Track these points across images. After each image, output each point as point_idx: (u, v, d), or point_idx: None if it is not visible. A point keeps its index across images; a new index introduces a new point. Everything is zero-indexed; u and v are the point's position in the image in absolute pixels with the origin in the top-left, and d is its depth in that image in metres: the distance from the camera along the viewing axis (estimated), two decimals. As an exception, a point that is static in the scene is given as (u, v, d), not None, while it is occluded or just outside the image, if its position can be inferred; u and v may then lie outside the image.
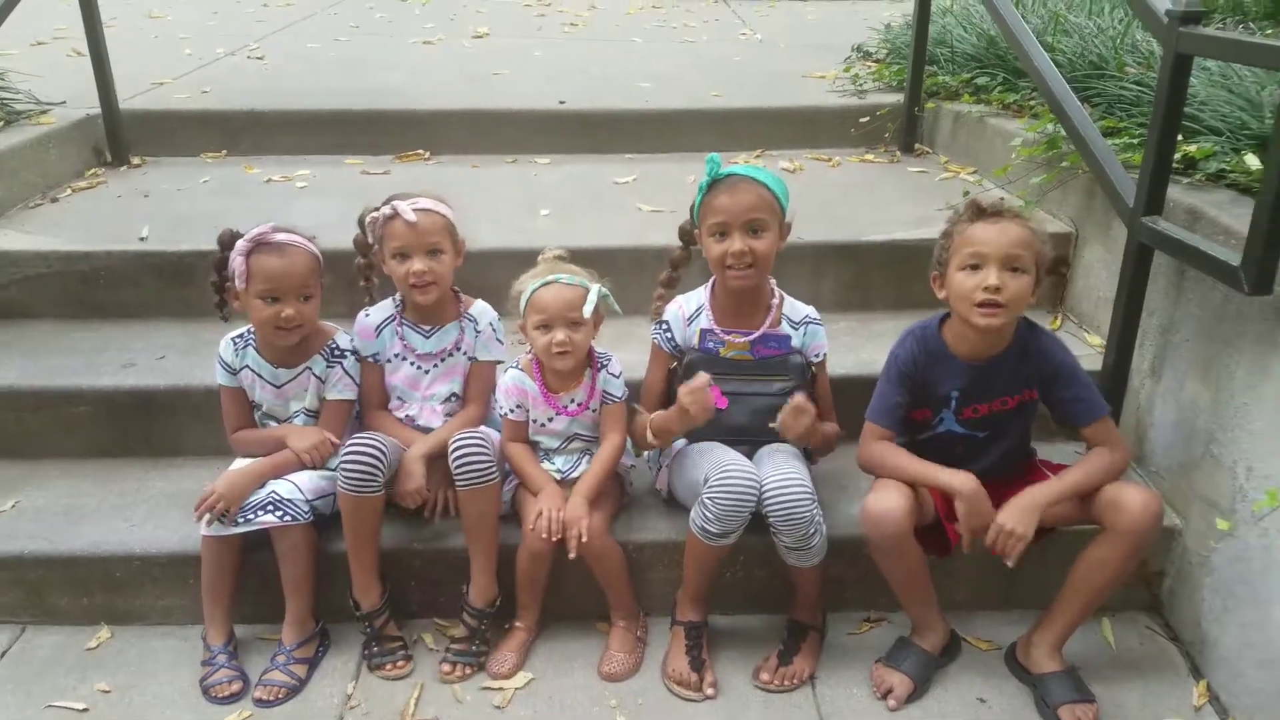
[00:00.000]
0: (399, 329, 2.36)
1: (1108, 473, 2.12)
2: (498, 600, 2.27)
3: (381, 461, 2.17)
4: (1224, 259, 2.01)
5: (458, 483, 2.18)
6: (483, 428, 2.30)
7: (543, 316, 2.19)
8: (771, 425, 2.16)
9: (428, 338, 2.36)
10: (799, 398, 2.12)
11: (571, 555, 2.17)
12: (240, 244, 2.20)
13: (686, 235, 2.33)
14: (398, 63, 5.19)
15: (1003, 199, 2.21)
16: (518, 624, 2.30)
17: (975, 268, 2.03)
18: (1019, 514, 2.04)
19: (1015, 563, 2.04)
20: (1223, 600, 2.16)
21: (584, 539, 2.16)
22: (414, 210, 2.23)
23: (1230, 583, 2.14)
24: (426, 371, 2.37)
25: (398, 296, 2.39)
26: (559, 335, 2.18)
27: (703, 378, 2.12)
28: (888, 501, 2.08)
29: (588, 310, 2.18)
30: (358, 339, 2.37)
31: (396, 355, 2.37)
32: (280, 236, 2.22)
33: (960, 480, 2.06)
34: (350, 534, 2.21)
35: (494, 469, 2.18)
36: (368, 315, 2.39)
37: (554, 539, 2.16)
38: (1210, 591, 2.21)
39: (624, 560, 2.29)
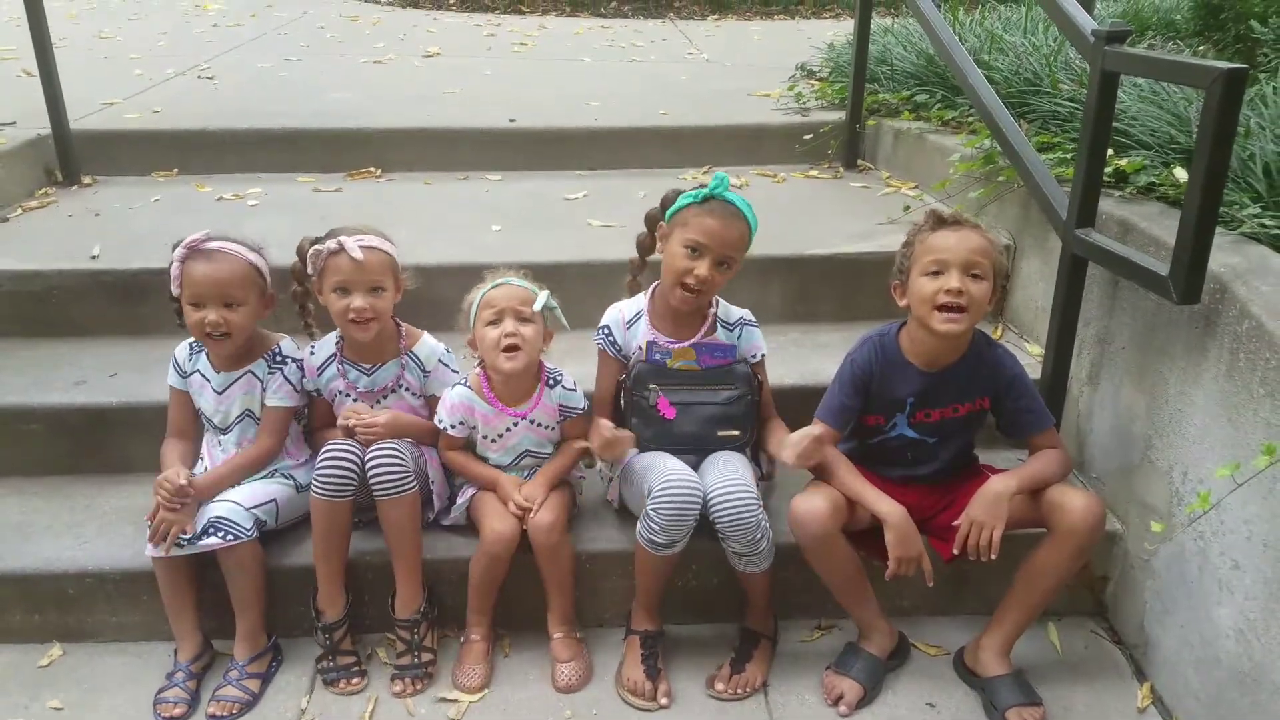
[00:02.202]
0: (340, 366, 2.36)
1: (1059, 469, 2.18)
2: (422, 607, 2.27)
3: (357, 468, 2.18)
4: (1154, 269, 2.06)
5: (375, 493, 2.19)
6: (401, 441, 2.27)
7: (493, 311, 2.21)
8: (724, 433, 2.18)
9: (368, 375, 2.36)
10: (818, 430, 2.13)
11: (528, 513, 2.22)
12: (178, 251, 2.21)
13: (645, 246, 2.37)
14: (349, 82, 5.18)
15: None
16: (474, 636, 2.30)
17: (937, 273, 2.08)
18: (986, 505, 2.09)
19: (995, 553, 2.07)
20: (1163, 603, 2.21)
21: (534, 512, 2.22)
22: (360, 247, 2.21)
23: (1170, 585, 2.19)
24: (370, 407, 2.35)
25: (339, 332, 2.38)
26: (508, 327, 2.20)
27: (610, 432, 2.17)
28: (811, 503, 2.13)
29: (538, 305, 2.21)
30: (304, 378, 2.38)
31: (340, 392, 2.37)
32: (213, 244, 2.22)
33: (888, 508, 2.11)
34: (320, 541, 2.21)
35: (410, 479, 2.19)
36: (313, 353, 2.39)
37: (533, 515, 2.21)
38: (1151, 594, 2.26)
39: (574, 562, 2.31)
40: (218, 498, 2.22)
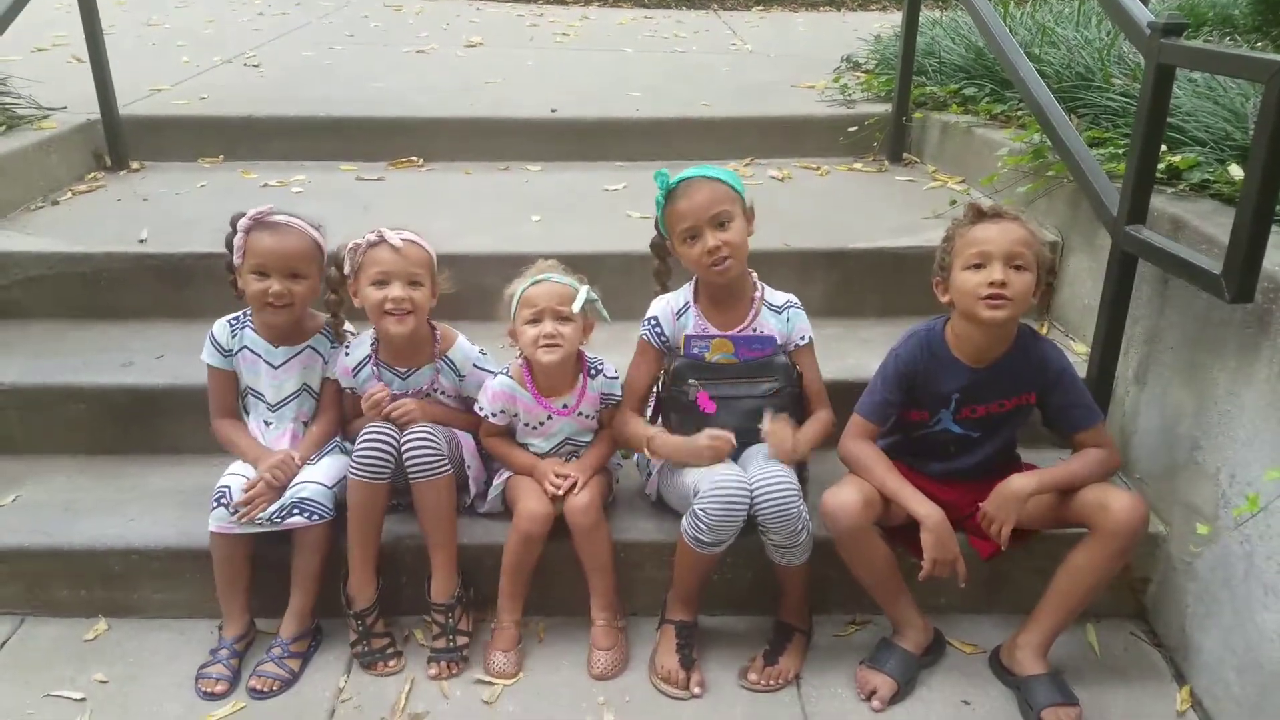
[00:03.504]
0: (375, 369, 2.37)
1: (1096, 470, 2.16)
2: (456, 592, 2.29)
3: (394, 450, 2.20)
4: (1206, 267, 2.03)
5: (410, 475, 2.20)
6: (436, 425, 2.30)
7: (532, 310, 2.22)
8: (759, 426, 2.20)
9: (403, 379, 2.37)
10: (767, 421, 2.18)
11: (554, 492, 2.25)
12: (242, 222, 2.24)
13: (659, 249, 2.38)
14: (392, 71, 5.22)
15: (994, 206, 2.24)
16: (505, 622, 2.30)
17: (979, 266, 2.07)
18: (999, 500, 2.13)
19: (1005, 545, 2.12)
20: (1206, 606, 2.18)
21: (576, 492, 2.24)
22: (400, 239, 2.24)
23: (1213, 589, 2.16)
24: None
25: (373, 334, 2.38)
26: (547, 327, 2.21)
27: (726, 436, 2.18)
28: (842, 496, 2.13)
29: (577, 305, 2.21)
30: (339, 376, 2.38)
31: None
32: (278, 217, 2.26)
33: (926, 510, 2.11)
34: (355, 523, 2.23)
35: (445, 461, 2.21)
36: (347, 354, 2.38)
37: (564, 493, 2.24)
38: (1194, 598, 2.23)
39: (612, 547, 2.31)
40: (302, 477, 2.26)
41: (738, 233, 2.21)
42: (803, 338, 2.36)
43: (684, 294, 2.36)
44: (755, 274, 2.37)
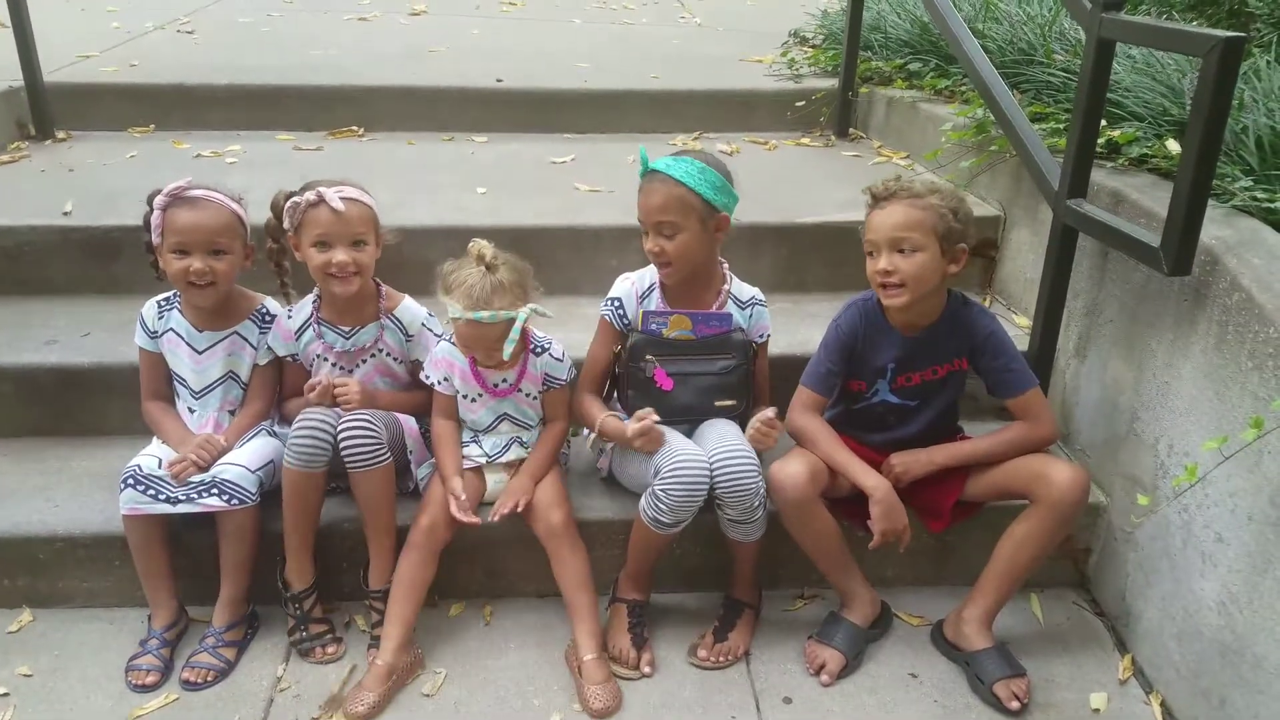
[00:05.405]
0: (317, 328, 2.30)
1: (1017, 444, 2.19)
2: None
3: (332, 436, 2.13)
4: (1145, 240, 2.06)
5: (346, 464, 2.13)
6: (377, 410, 2.23)
7: (463, 344, 2.19)
8: (721, 403, 2.18)
9: (347, 338, 2.30)
10: (769, 414, 2.14)
11: (494, 518, 2.17)
12: (158, 199, 2.15)
13: None
14: (332, 39, 5.09)
15: (917, 180, 2.21)
16: (379, 660, 2.10)
17: (872, 254, 2.11)
18: (911, 458, 2.22)
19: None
20: (1145, 575, 2.22)
21: (520, 508, 2.18)
22: (341, 199, 2.15)
23: (1152, 558, 2.19)
24: (350, 371, 2.31)
25: (315, 294, 2.31)
26: (479, 357, 2.21)
27: (652, 420, 2.13)
28: (789, 468, 2.13)
29: (507, 351, 2.13)
30: (278, 340, 2.31)
31: (318, 356, 2.30)
32: (196, 191, 2.17)
33: (874, 483, 2.13)
34: (291, 511, 2.16)
35: (383, 450, 2.14)
36: (290, 317, 2.31)
37: (460, 518, 2.15)
38: (1134, 567, 2.26)
39: (588, 560, 2.22)
40: (225, 459, 2.18)
41: (680, 244, 2.16)
42: (761, 336, 2.35)
43: (651, 275, 2.33)
44: (726, 264, 2.35)
